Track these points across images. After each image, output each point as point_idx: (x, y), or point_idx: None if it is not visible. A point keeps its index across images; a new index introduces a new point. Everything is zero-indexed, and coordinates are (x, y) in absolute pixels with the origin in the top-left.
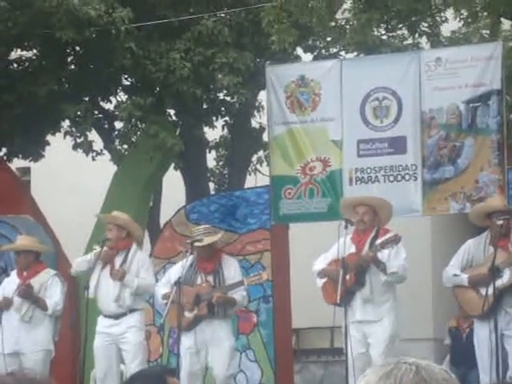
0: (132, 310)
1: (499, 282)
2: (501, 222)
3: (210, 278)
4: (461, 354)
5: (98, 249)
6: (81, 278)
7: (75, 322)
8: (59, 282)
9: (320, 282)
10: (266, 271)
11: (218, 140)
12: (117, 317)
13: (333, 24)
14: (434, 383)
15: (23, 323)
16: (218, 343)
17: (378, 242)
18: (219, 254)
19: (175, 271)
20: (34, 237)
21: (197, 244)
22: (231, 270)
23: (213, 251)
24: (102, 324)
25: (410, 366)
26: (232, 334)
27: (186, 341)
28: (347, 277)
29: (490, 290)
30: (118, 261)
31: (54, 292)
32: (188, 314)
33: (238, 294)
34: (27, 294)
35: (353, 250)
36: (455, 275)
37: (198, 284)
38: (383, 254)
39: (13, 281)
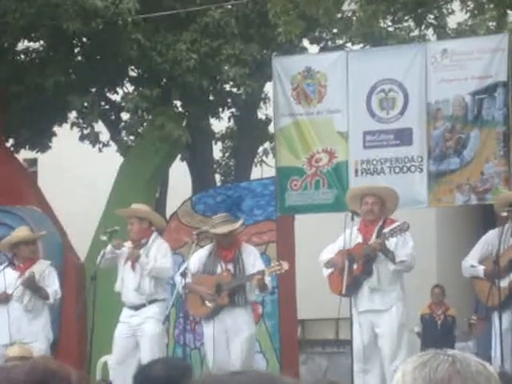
0: (151, 302)
1: None
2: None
3: (230, 267)
4: (434, 342)
5: (104, 239)
6: (88, 269)
7: (82, 313)
8: (55, 271)
9: (326, 272)
10: (286, 261)
11: (224, 131)
12: (137, 308)
13: (339, 16)
14: (468, 375)
15: (24, 313)
16: (238, 332)
17: (387, 230)
18: (239, 242)
19: (194, 260)
20: (29, 226)
21: (217, 231)
22: (251, 257)
23: (233, 240)
24: (124, 314)
25: (447, 356)
26: (253, 323)
27: (208, 330)
28: (354, 266)
29: (506, 282)
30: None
31: (52, 281)
32: (209, 304)
33: (267, 281)
34: (31, 283)
35: (360, 240)
36: (472, 266)
37: (218, 273)
38: (390, 243)
39: (9, 273)
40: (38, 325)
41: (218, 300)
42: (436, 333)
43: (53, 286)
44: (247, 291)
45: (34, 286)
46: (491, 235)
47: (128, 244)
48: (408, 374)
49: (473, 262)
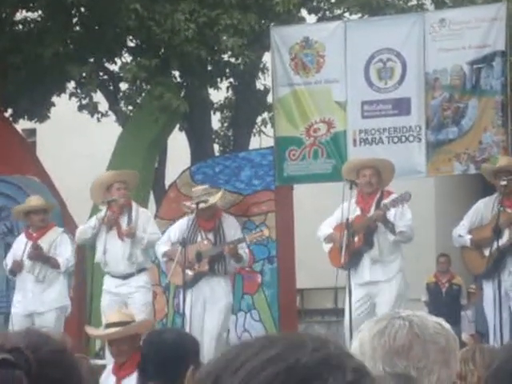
0: (140, 270)
1: (501, 242)
2: (504, 183)
3: (211, 236)
4: (439, 310)
5: (101, 212)
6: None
7: (81, 282)
8: (68, 238)
9: (326, 247)
10: (266, 228)
11: (222, 101)
12: (125, 277)
13: None
14: (427, 338)
15: (37, 284)
16: (215, 301)
17: (388, 200)
18: (219, 212)
19: (175, 230)
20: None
21: (202, 205)
22: (231, 228)
23: (213, 210)
24: (110, 283)
25: (404, 321)
26: (230, 293)
27: (187, 298)
28: (355, 239)
29: (492, 250)
30: (123, 221)
31: (64, 249)
32: (189, 272)
33: (242, 251)
34: (37, 255)
35: (358, 213)
36: (460, 236)
37: (198, 242)
38: (389, 215)
39: (22, 242)
40: (52, 294)
41: (198, 267)
42: (441, 301)
43: (64, 254)
44: (227, 261)
45: (41, 258)
46: (481, 204)
47: (108, 212)
48: (366, 343)
49: (461, 232)
